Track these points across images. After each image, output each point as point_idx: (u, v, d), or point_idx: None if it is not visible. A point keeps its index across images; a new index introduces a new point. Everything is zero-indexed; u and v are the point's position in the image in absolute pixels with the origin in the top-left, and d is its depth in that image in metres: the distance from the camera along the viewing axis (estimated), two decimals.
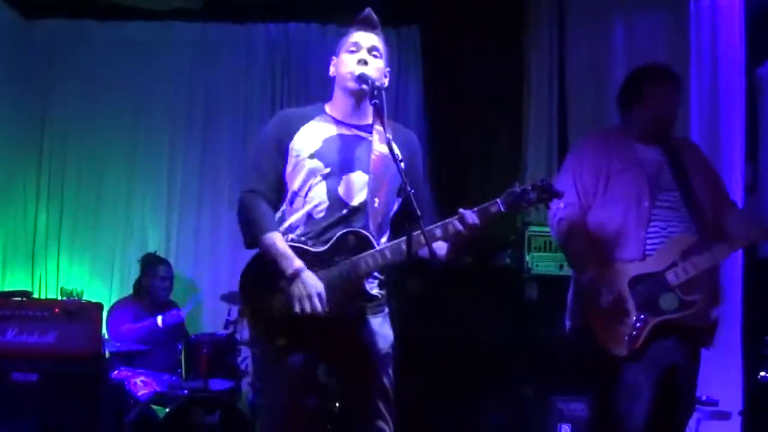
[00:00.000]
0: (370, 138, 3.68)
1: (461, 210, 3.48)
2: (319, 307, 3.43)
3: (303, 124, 3.67)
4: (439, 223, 3.50)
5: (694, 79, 6.50)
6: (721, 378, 6.10)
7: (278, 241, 3.53)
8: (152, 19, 7.68)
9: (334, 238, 3.54)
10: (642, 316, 4.08)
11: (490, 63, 7.25)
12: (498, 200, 3.52)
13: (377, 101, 3.50)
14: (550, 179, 3.59)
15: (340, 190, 3.59)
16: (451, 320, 6.04)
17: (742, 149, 6.27)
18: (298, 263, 3.47)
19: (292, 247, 3.51)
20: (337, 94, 3.74)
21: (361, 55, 3.66)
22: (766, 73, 6.52)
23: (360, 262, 3.51)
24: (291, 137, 3.63)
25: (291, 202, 3.62)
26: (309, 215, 3.58)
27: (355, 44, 3.68)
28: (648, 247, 4.16)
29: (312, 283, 3.45)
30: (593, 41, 6.94)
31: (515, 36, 7.25)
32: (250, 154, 3.80)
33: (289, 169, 3.63)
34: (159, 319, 6.39)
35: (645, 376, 4.09)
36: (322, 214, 3.57)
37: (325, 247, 3.54)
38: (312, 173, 3.59)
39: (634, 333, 4.07)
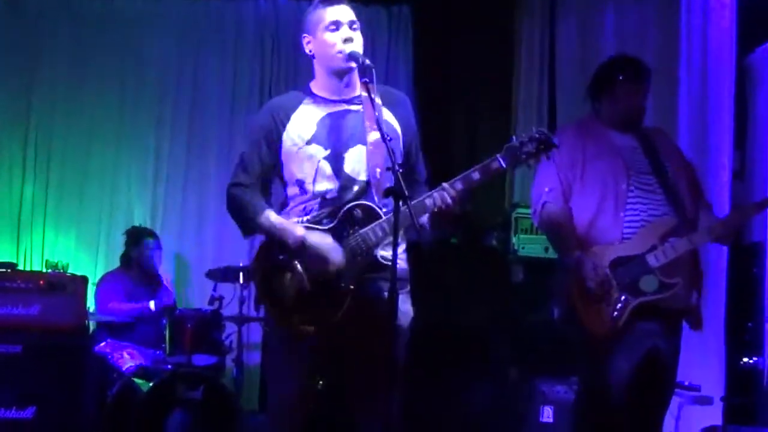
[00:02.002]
0: (360, 109, 3.62)
1: (444, 184, 3.46)
2: (337, 259, 3.42)
3: (292, 112, 3.62)
4: (425, 194, 3.47)
5: (683, 67, 6.48)
6: (703, 363, 6.11)
7: (273, 217, 3.53)
8: None
9: (340, 213, 3.50)
10: (623, 297, 4.10)
11: (480, 44, 7.24)
12: (498, 156, 3.48)
13: (367, 79, 3.47)
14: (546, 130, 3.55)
15: (347, 168, 3.55)
16: (437, 302, 6.02)
17: (730, 137, 6.26)
18: (299, 230, 3.46)
19: (306, 228, 3.49)
20: (321, 72, 3.68)
21: (345, 33, 3.58)
22: (755, 60, 6.52)
23: (369, 234, 3.47)
24: (283, 127, 3.59)
25: (302, 190, 3.58)
26: (323, 198, 3.55)
27: (335, 22, 3.59)
28: (626, 228, 4.18)
29: (319, 240, 3.44)
30: (584, 29, 6.93)
31: (506, 18, 7.25)
32: (241, 146, 3.74)
33: (290, 158, 3.58)
34: (152, 303, 6.36)
35: (627, 357, 4.11)
36: (335, 195, 3.54)
37: (334, 222, 3.51)
38: (315, 158, 3.55)
39: (615, 314, 4.10)
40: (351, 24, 3.61)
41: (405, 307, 3.61)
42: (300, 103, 3.64)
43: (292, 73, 7.29)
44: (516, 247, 6.05)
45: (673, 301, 4.15)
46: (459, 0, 7.23)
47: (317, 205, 3.55)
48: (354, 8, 3.69)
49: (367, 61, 3.49)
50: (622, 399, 4.11)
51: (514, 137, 3.53)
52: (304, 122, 3.59)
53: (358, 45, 3.58)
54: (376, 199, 3.55)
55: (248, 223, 3.59)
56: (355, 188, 3.55)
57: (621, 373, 4.11)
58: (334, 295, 3.45)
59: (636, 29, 6.78)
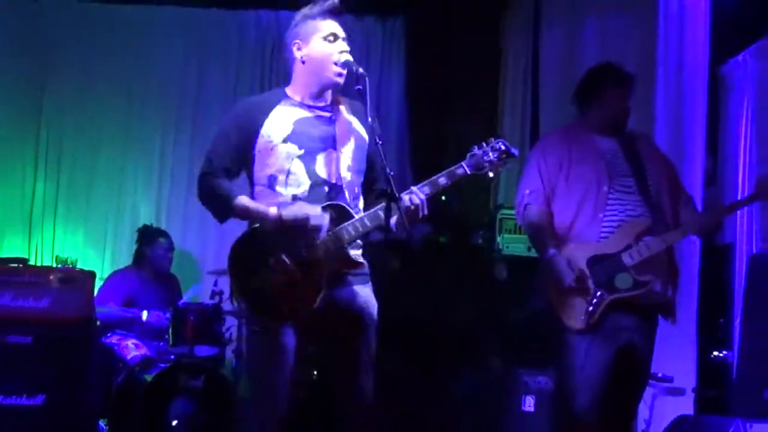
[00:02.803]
0: (333, 117, 3.68)
1: (412, 187, 3.54)
2: (317, 217, 3.44)
3: (269, 110, 3.63)
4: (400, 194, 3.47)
5: (660, 76, 6.51)
6: (676, 357, 6.14)
7: (246, 201, 3.56)
8: (148, 3, 7.65)
9: None
10: (599, 293, 4.15)
11: (469, 54, 7.25)
12: (463, 163, 3.60)
13: (360, 87, 3.48)
14: (505, 141, 3.66)
15: (318, 170, 3.59)
16: (425, 297, 6.05)
17: (703, 143, 6.30)
18: (272, 209, 3.47)
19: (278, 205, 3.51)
20: (303, 78, 3.69)
21: (342, 46, 3.63)
22: (728, 71, 6.56)
23: (342, 232, 3.51)
24: (260, 124, 3.59)
25: (271, 186, 3.59)
26: (294, 197, 3.56)
27: (333, 34, 3.64)
28: (604, 228, 4.24)
29: (296, 209, 3.46)
30: (567, 38, 6.95)
31: (493, 28, 7.27)
32: (213, 142, 3.72)
33: (264, 154, 3.59)
34: (144, 313, 6.34)
35: (602, 350, 4.15)
36: (305, 194, 3.56)
37: None
38: (289, 156, 3.57)
39: (591, 309, 4.14)
40: (345, 39, 3.67)
41: (373, 300, 3.66)
42: (277, 102, 3.66)
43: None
44: (500, 246, 6.07)
45: (647, 297, 4.19)
46: (449, 12, 7.24)
47: (289, 204, 3.55)
48: (350, 20, 3.75)
49: (360, 70, 3.52)
50: (598, 390, 4.13)
51: (475, 147, 3.63)
52: (280, 121, 3.61)
53: (349, 56, 3.63)
54: (348, 199, 3.61)
55: (222, 209, 3.59)
56: (324, 189, 3.59)
57: (597, 366, 4.14)
58: (309, 289, 3.46)
59: (616, 41, 6.80)
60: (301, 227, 3.44)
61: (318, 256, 3.47)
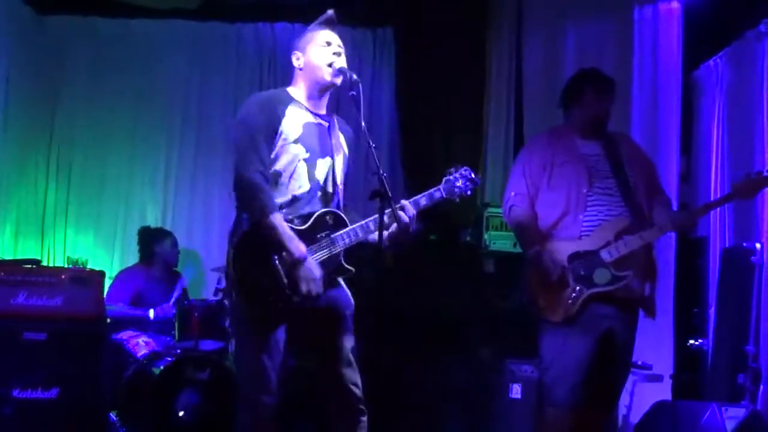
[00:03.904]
0: (330, 127, 3.72)
1: (402, 201, 3.59)
2: (320, 290, 3.47)
3: (285, 108, 3.62)
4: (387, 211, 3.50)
5: (635, 80, 6.53)
6: (654, 345, 6.15)
7: (283, 223, 3.47)
8: (153, 17, 7.59)
9: (314, 217, 3.55)
10: (578, 288, 4.16)
11: (455, 62, 7.23)
12: (440, 187, 3.72)
13: (354, 92, 3.51)
14: (472, 170, 3.83)
15: (317, 174, 3.61)
16: (418, 291, 6.04)
17: (677, 144, 6.32)
18: (303, 247, 3.45)
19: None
20: (304, 84, 3.72)
21: (335, 50, 3.68)
22: (700, 75, 6.56)
23: (338, 239, 3.54)
24: (280, 121, 3.58)
25: (275, 183, 3.57)
26: (293, 197, 3.57)
27: (329, 42, 3.69)
28: (584, 227, 4.24)
29: (313, 267, 3.46)
30: (548, 46, 6.94)
31: (478, 38, 7.24)
32: (245, 135, 3.55)
33: (275, 150, 3.57)
34: (151, 312, 6.33)
35: (581, 341, 4.15)
36: (304, 196, 3.58)
37: (307, 225, 3.54)
38: (296, 157, 3.57)
39: (570, 302, 4.15)
40: (339, 46, 3.71)
41: (350, 295, 3.73)
42: (290, 103, 3.65)
43: None
44: (487, 243, 6.06)
45: (625, 292, 4.19)
46: (437, 22, 7.22)
47: (287, 204, 3.56)
48: (342, 30, 3.77)
49: (354, 76, 3.57)
50: (577, 381, 4.12)
51: (448, 173, 3.76)
52: (294, 121, 3.61)
53: (344, 63, 3.67)
54: (339, 206, 3.66)
55: (257, 214, 3.47)
56: (319, 193, 3.61)
57: (576, 357, 4.14)
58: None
59: (594, 47, 6.80)
60: (305, 281, 3.44)
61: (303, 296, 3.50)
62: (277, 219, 3.46)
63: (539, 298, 4.26)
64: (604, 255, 4.17)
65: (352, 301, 3.72)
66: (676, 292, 6.20)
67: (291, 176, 3.57)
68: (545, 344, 4.26)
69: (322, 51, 3.67)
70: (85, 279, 5.35)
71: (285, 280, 3.44)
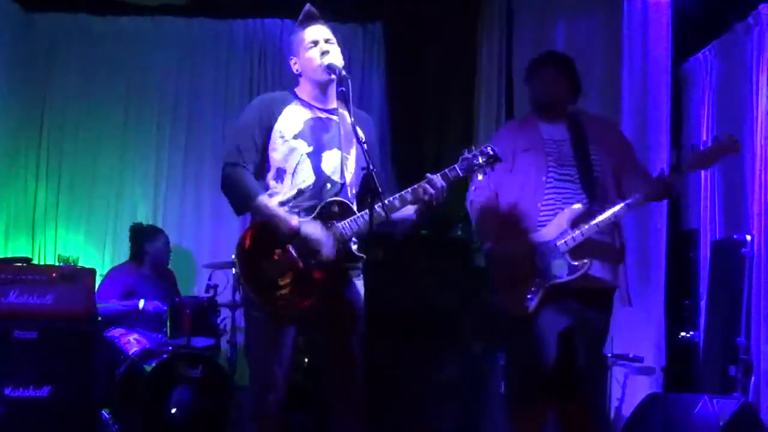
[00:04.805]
0: (337, 119, 3.73)
1: (429, 175, 3.57)
2: (330, 252, 3.50)
3: (284, 107, 3.69)
4: (409, 189, 3.56)
5: (625, 73, 6.53)
6: (646, 337, 6.17)
7: (269, 203, 3.55)
8: (143, 14, 7.60)
9: (318, 208, 3.58)
10: (537, 281, 4.04)
11: (446, 57, 7.25)
12: (455, 166, 3.62)
13: (344, 88, 3.58)
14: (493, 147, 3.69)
15: (323, 167, 3.64)
16: (410, 285, 6.04)
17: (667, 137, 6.32)
18: (294, 219, 3.50)
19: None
20: (306, 85, 3.76)
21: (322, 48, 3.69)
22: (689, 68, 6.57)
23: (345, 227, 3.55)
24: (275, 119, 3.65)
25: (279, 179, 3.64)
26: (299, 191, 3.60)
27: (314, 41, 3.71)
28: (542, 218, 4.10)
29: (314, 230, 3.50)
30: (538, 40, 6.93)
31: (469, 32, 7.25)
32: (232, 133, 3.75)
33: (275, 148, 3.63)
34: (141, 302, 6.32)
35: (545, 335, 4.02)
36: (310, 189, 3.60)
37: (311, 216, 3.56)
38: (298, 152, 3.62)
39: (530, 296, 4.03)
40: (327, 40, 3.72)
41: (362, 290, 3.72)
42: (290, 102, 3.71)
43: (278, 84, 7.24)
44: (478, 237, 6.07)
45: (586, 282, 4.03)
46: (427, 17, 7.23)
47: (293, 197, 3.59)
48: (331, 26, 3.78)
49: (344, 73, 3.60)
50: (546, 372, 4.01)
51: (466, 151, 3.67)
52: (293, 118, 3.66)
53: (335, 57, 3.69)
54: (350, 196, 3.66)
55: (243, 203, 3.60)
56: (329, 186, 3.63)
57: (542, 350, 4.01)
58: (311, 284, 3.52)
59: (584, 41, 6.80)
60: (311, 247, 3.49)
61: (323, 260, 3.51)
62: (262, 201, 3.54)
63: (499, 294, 4.19)
64: (560, 245, 4.03)
65: (362, 298, 3.71)
66: (667, 285, 6.21)
67: (294, 171, 3.61)
68: (508, 341, 4.21)
69: (310, 52, 3.69)
70: (76, 277, 5.35)
71: (294, 255, 3.48)
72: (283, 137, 3.63)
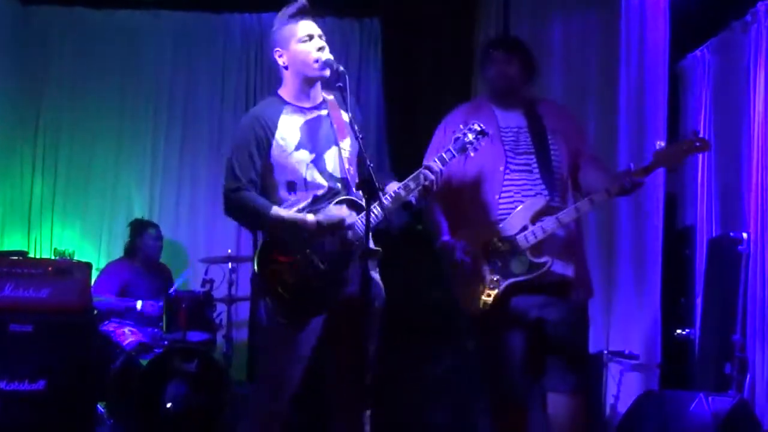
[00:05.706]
0: (325, 113, 3.71)
1: (427, 163, 3.62)
2: (350, 218, 3.52)
3: (277, 117, 3.64)
4: (410, 177, 3.59)
5: (622, 71, 6.53)
6: (642, 335, 6.18)
7: (281, 212, 3.54)
8: (139, 8, 7.59)
9: (332, 205, 3.58)
10: (495, 278, 3.89)
11: (443, 51, 7.24)
12: (450, 146, 3.69)
13: (341, 84, 3.51)
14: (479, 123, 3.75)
15: (329, 169, 3.64)
16: (404, 282, 6.03)
17: (664, 134, 6.31)
18: (310, 216, 3.51)
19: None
20: (293, 81, 3.71)
21: (318, 43, 3.65)
22: (687, 66, 6.58)
23: (355, 224, 3.54)
24: (272, 133, 3.60)
25: (292, 191, 3.62)
26: (314, 197, 3.60)
27: (309, 35, 3.66)
28: (501, 211, 3.94)
29: (335, 211, 3.52)
30: (534, 36, 6.90)
31: (466, 27, 7.24)
32: (229, 156, 3.65)
33: (280, 162, 3.61)
34: (139, 303, 6.33)
35: (508, 334, 3.90)
36: (324, 192, 3.61)
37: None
38: (302, 163, 3.60)
39: (488, 295, 3.88)
40: (320, 36, 3.69)
41: (380, 282, 3.73)
42: (281, 111, 3.66)
43: (275, 80, 7.14)
44: None
45: (547, 277, 3.90)
46: (424, 12, 7.23)
47: (309, 204, 3.59)
48: (329, 21, 3.76)
49: (341, 68, 3.55)
50: (515, 372, 3.90)
51: (457, 130, 3.76)
52: (289, 129, 3.62)
53: (329, 53, 3.65)
54: (353, 190, 3.64)
55: (256, 221, 3.62)
56: (338, 186, 3.64)
57: (509, 348, 3.90)
58: (335, 285, 3.54)
59: (581, 38, 6.81)
60: (338, 228, 3.50)
61: (349, 248, 3.52)
62: (276, 212, 3.53)
63: (456, 291, 4.02)
64: (521, 241, 3.87)
65: (383, 293, 3.72)
66: (663, 282, 6.22)
67: (305, 180, 3.61)
68: (471, 341, 4.15)
69: (305, 46, 3.64)
70: (72, 271, 5.36)
71: (315, 260, 3.50)
72: (285, 151, 3.60)
